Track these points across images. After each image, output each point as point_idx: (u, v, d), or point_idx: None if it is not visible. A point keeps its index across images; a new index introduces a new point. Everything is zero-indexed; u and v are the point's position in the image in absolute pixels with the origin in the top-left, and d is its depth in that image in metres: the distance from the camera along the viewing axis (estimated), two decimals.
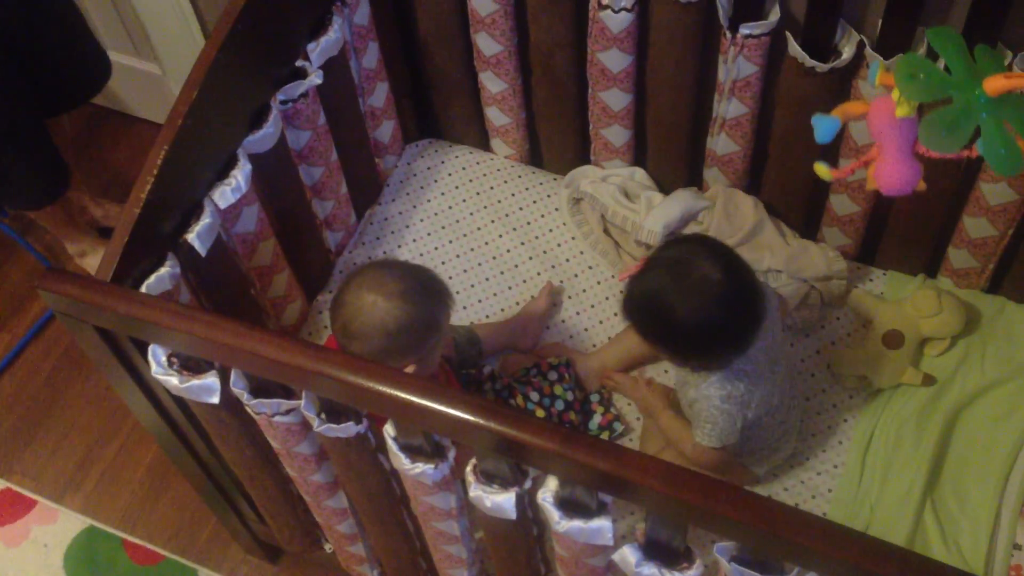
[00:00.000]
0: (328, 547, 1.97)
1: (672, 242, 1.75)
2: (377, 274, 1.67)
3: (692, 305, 1.62)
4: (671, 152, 2.14)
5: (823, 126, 1.49)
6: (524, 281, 2.20)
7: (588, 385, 2.05)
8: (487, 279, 2.20)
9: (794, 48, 1.78)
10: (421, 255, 2.23)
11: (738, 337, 1.67)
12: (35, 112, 2.17)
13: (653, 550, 1.34)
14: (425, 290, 1.68)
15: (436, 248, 2.25)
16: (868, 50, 1.74)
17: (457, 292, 2.18)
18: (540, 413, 1.96)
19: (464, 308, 2.16)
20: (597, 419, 2.01)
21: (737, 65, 1.86)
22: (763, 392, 1.75)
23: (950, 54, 1.35)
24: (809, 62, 1.78)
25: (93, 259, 2.55)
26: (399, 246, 2.24)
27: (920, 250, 2.07)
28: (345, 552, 1.90)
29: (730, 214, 2.09)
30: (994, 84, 1.32)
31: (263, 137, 1.76)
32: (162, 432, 1.72)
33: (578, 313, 2.15)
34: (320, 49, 1.85)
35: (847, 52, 1.76)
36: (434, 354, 1.72)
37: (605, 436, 2.00)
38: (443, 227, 2.27)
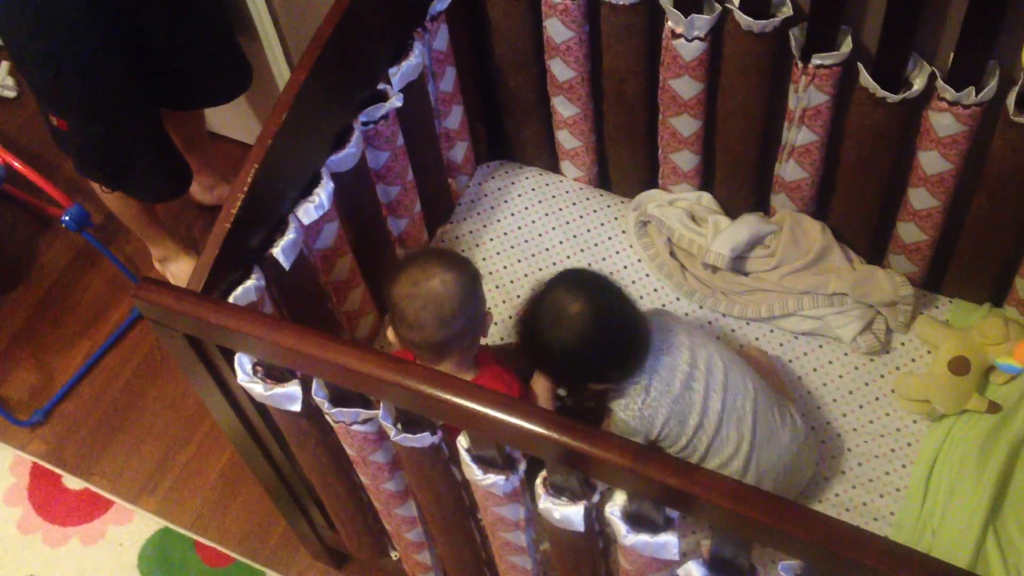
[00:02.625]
0: (395, 555, 2.01)
1: (545, 283, 1.85)
2: (422, 262, 1.77)
3: (554, 335, 1.76)
4: (739, 177, 2.16)
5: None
6: None
7: None
8: None
9: (865, 79, 1.80)
10: (490, 273, 2.28)
11: (610, 362, 1.78)
12: (163, 105, 2.23)
13: (717, 566, 1.37)
14: (468, 267, 1.80)
15: (505, 267, 2.29)
16: (939, 81, 1.76)
17: None
18: None
19: None
20: None
21: (808, 94, 1.88)
22: (680, 406, 1.82)
23: None
24: (880, 92, 1.80)
25: (175, 265, 2.62)
26: None
27: (986, 279, 2.08)
28: (411, 560, 1.94)
29: (797, 238, 2.12)
30: None
31: (345, 157, 1.83)
32: (241, 437, 1.78)
33: None
34: (401, 73, 1.92)
35: (918, 83, 1.78)
36: (476, 342, 1.81)
37: None
38: (512, 247, 2.32)
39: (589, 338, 1.75)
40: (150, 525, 2.34)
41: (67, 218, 2.48)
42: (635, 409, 1.81)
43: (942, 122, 1.80)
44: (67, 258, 2.78)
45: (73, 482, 2.42)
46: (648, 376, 1.81)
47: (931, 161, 1.88)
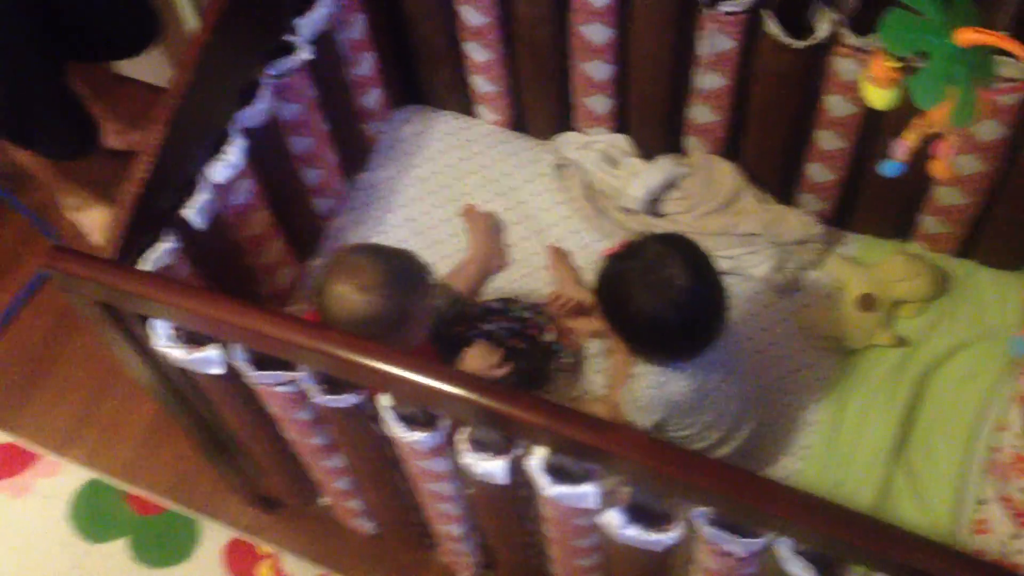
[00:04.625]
0: (325, 501, 2.04)
1: (660, 236, 1.77)
2: (354, 263, 1.68)
3: (650, 300, 1.65)
4: (652, 121, 2.18)
5: (888, 168, 1.56)
6: (511, 245, 2.25)
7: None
8: (469, 242, 2.23)
9: (770, 26, 1.82)
10: (409, 220, 2.28)
11: (683, 343, 1.71)
12: (70, 59, 2.17)
13: (636, 513, 1.42)
14: (400, 281, 1.68)
15: (424, 213, 2.29)
16: (843, 28, 1.78)
17: (446, 256, 2.23)
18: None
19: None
20: (550, 335, 2.07)
21: (715, 40, 1.90)
22: (706, 397, 1.78)
23: (920, 2, 1.38)
24: (785, 39, 1.82)
25: (86, 215, 2.57)
26: (388, 211, 2.29)
27: (892, 216, 2.14)
28: (342, 506, 1.98)
29: (709, 180, 2.15)
30: (965, 37, 1.36)
31: (255, 112, 1.81)
32: (165, 397, 1.78)
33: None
34: (308, 24, 1.89)
35: (822, 30, 1.80)
36: (410, 339, 1.74)
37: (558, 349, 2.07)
38: (431, 192, 2.31)
39: (684, 318, 1.65)
40: (78, 477, 2.33)
41: None
42: (666, 390, 1.76)
43: (846, 67, 1.83)
44: None
45: None
46: (694, 368, 1.75)
47: (837, 104, 1.91)
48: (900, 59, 1.42)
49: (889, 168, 1.58)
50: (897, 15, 1.38)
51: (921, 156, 1.51)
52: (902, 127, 1.50)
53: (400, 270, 1.71)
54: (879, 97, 1.48)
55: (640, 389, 1.78)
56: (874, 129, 1.92)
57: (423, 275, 1.75)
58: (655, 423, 1.80)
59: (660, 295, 1.64)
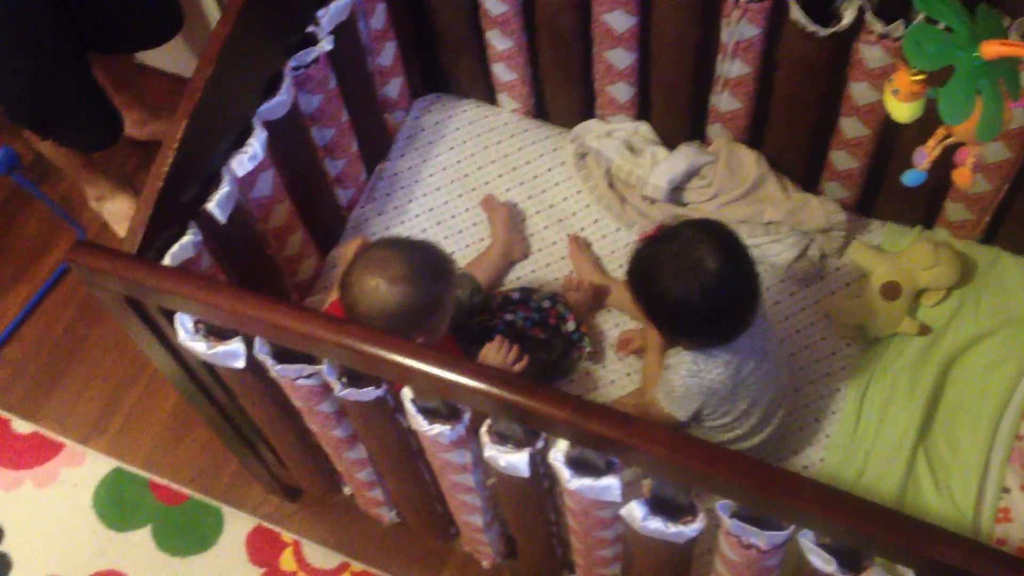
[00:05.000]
0: (347, 490, 2.05)
1: (694, 221, 1.78)
2: (382, 255, 1.70)
3: (678, 283, 1.66)
4: (675, 108, 2.17)
5: (911, 178, 1.55)
6: (532, 235, 2.25)
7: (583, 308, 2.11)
8: (492, 233, 2.22)
9: (795, 13, 1.81)
10: (431, 209, 2.28)
11: (714, 327, 1.71)
12: (92, 49, 2.18)
13: (658, 505, 1.42)
14: (429, 271, 1.71)
15: (446, 202, 2.29)
16: (868, 15, 1.77)
17: (467, 246, 2.24)
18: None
19: None
20: (572, 325, 2.06)
21: (740, 28, 1.88)
22: (742, 383, 1.78)
23: (944, 15, 1.37)
24: (810, 27, 1.81)
25: (111, 204, 2.59)
26: (409, 201, 2.29)
27: (917, 202, 2.12)
28: (364, 496, 1.99)
29: (733, 168, 2.14)
30: (990, 49, 1.35)
31: (277, 104, 1.81)
32: (186, 388, 1.79)
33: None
34: (330, 15, 1.88)
35: (848, 17, 1.78)
36: (439, 328, 1.76)
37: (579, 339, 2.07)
38: (452, 181, 2.31)
39: (712, 302, 1.66)
40: (102, 466, 2.35)
41: None
42: (703, 378, 1.76)
43: (872, 54, 1.81)
44: None
45: (22, 425, 2.42)
46: (729, 354, 1.75)
47: (862, 92, 1.90)
48: (923, 71, 1.41)
49: (912, 178, 1.57)
50: (921, 29, 1.37)
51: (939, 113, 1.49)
52: (925, 127, 1.48)
53: (427, 261, 1.73)
54: (902, 111, 1.48)
55: (677, 378, 1.78)
56: None
57: (448, 266, 1.76)
58: (693, 412, 1.81)
59: (690, 279, 1.66)
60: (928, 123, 1.49)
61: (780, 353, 1.90)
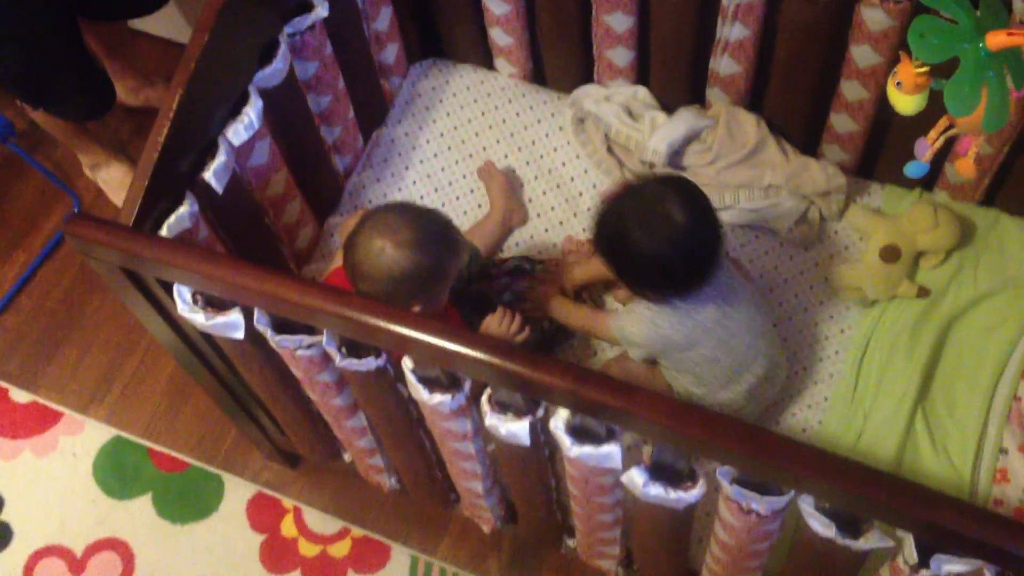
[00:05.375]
0: (347, 457, 2.06)
1: (658, 176, 1.82)
2: (390, 219, 1.69)
3: (647, 236, 1.70)
4: (674, 72, 2.15)
5: (914, 169, 1.54)
6: (530, 200, 2.24)
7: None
8: (490, 201, 2.21)
9: None
10: (428, 176, 2.27)
11: (681, 278, 1.75)
12: (84, 16, 2.16)
13: (659, 471, 1.42)
14: (435, 238, 1.71)
15: (443, 169, 2.27)
16: None
17: (464, 212, 2.23)
18: None
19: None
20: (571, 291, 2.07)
21: None
22: (701, 331, 1.81)
23: (948, 6, 1.36)
24: None
25: (106, 172, 2.57)
26: (406, 167, 2.27)
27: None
28: (364, 463, 1.99)
29: (733, 132, 2.12)
30: (996, 40, 1.33)
31: (273, 72, 1.79)
32: (185, 358, 1.79)
33: (584, 230, 2.19)
34: None
35: None
36: (441, 296, 1.76)
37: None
38: (449, 148, 2.30)
39: (681, 254, 1.71)
40: (102, 434, 2.36)
41: None
42: (658, 326, 1.80)
43: (873, 17, 1.80)
44: None
45: (20, 395, 2.42)
46: (688, 303, 1.78)
47: (863, 55, 1.88)
48: (926, 63, 1.39)
49: (914, 169, 1.57)
50: (924, 21, 1.35)
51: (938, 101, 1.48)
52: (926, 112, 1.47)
53: (435, 227, 1.72)
54: (906, 103, 1.47)
55: (632, 325, 1.83)
56: None
57: (455, 234, 1.76)
58: (649, 355, 1.87)
59: (658, 231, 1.69)
60: (929, 110, 1.48)
61: (753, 296, 1.90)
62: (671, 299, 1.79)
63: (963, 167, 1.54)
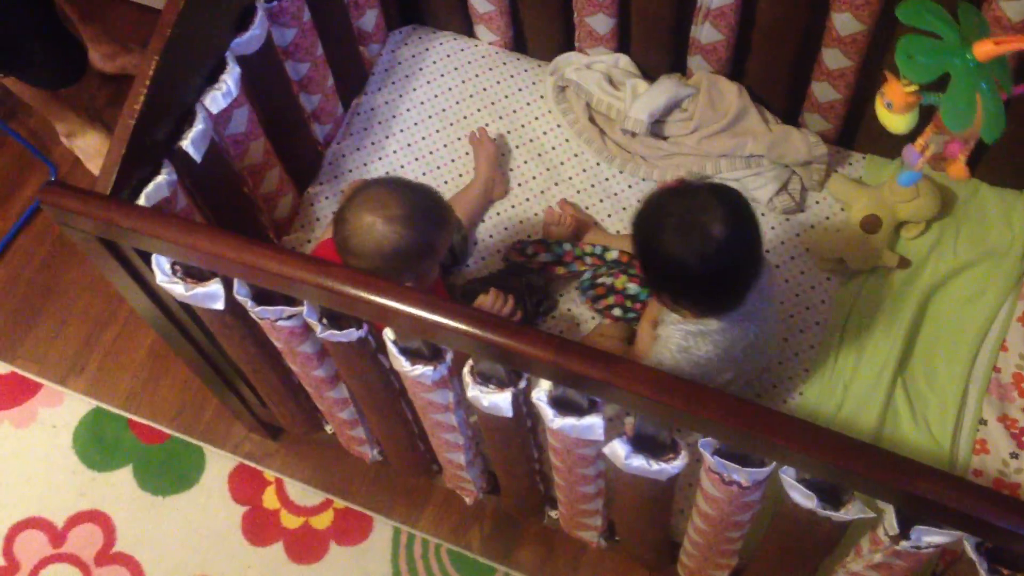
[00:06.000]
0: (329, 429, 2.05)
1: (714, 184, 1.71)
2: (380, 194, 1.67)
3: (677, 241, 1.61)
4: (655, 40, 2.14)
5: (906, 178, 1.53)
6: (512, 170, 2.23)
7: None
8: (475, 169, 2.21)
9: None
10: (408, 145, 2.25)
11: (707, 295, 1.67)
12: None
13: (641, 443, 1.42)
14: (426, 215, 1.68)
15: (423, 138, 2.26)
16: None
17: (445, 182, 2.21)
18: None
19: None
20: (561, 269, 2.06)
21: None
22: (731, 356, 1.75)
23: (931, 24, 1.34)
24: None
25: (82, 140, 2.54)
26: (386, 136, 2.25)
27: (898, 135, 2.10)
28: (346, 435, 1.99)
29: (714, 101, 2.11)
30: (983, 50, 1.31)
31: (250, 39, 1.76)
32: (165, 329, 1.77)
33: (567, 198, 2.18)
34: None
35: None
36: (430, 274, 1.75)
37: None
38: (430, 116, 2.28)
39: (708, 269, 1.60)
40: (81, 406, 2.34)
41: None
42: (692, 354, 1.72)
43: None
44: None
45: None
46: (721, 329, 1.70)
47: (844, 23, 1.87)
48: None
49: (907, 179, 1.56)
50: (910, 41, 1.34)
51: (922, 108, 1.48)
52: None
53: (426, 204, 1.70)
54: (899, 122, 1.46)
55: (666, 353, 1.75)
56: (882, 48, 1.88)
57: (446, 212, 1.73)
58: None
59: (690, 240, 1.60)
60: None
61: (775, 319, 1.85)
62: (704, 318, 1.70)
63: (956, 171, 1.53)
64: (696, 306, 1.69)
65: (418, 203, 1.69)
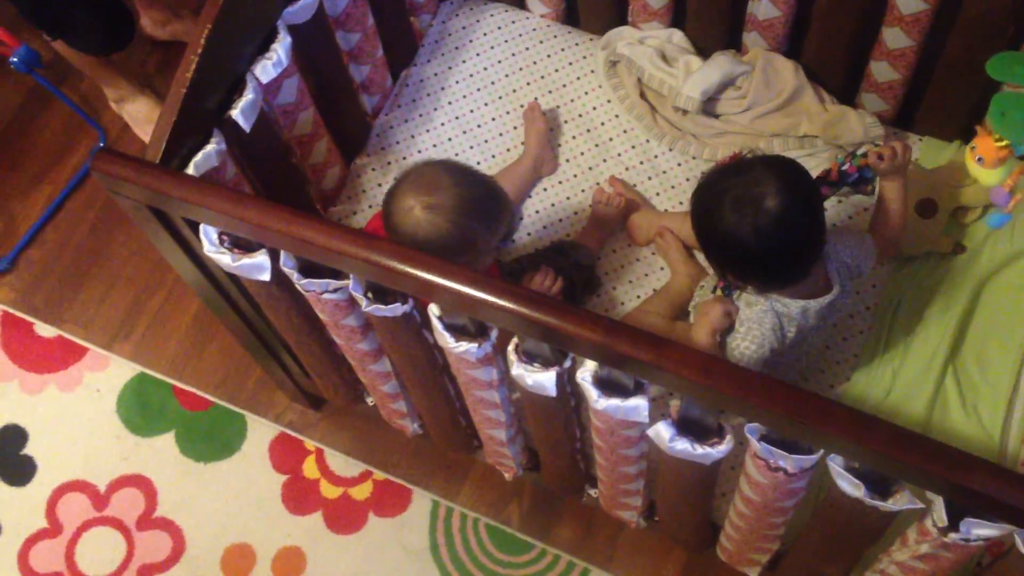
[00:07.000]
0: (370, 401, 2.05)
1: (769, 157, 1.69)
2: (432, 177, 1.64)
3: (733, 215, 1.58)
4: (710, 15, 2.10)
5: (996, 220, 1.49)
6: (560, 145, 2.20)
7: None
8: (523, 143, 2.19)
9: None
10: (457, 117, 2.23)
11: (766, 270, 1.65)
12: None
13: (686, 426, 1.41)
14: (472, 210, 1.64)
15: (472, 111, 2.24)
16: None
17: (493, 156, 2.20)
18: None
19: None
20: None
21: None
22: (801, 332, 1.73)
23: (1022, 78, 1.30)
24: None
25: (131, 105, 2.55)
26: (435, 108, 2.24)
27: (957, 117, 2.05)
28: (387, 407, 1.99)
29: (769, 79, 2.07)
30: None
31: (302, 8, 1.75)
32: (211, 297, 1.77)
33: (616, 175, 2.16)
34: None
35: None
36: (474, 266, 1.70)
37: None
38: (478, 89, 2.26)
39: (764, 243, 1.58)
40: (126, 371, 2.36)
41: (15, 59, 2.39)
42: (764, 351, 1.70)
43: None
44: (19, 99, 2.69)
45: (45, 329, 2.42)
46: (795, 323, 1.70)
47: (908, 1, 1.83)
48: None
49: (997, 221, 1.52)
50: (1004, 99, 1.30)
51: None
52: None
53: (475, 197, 1.66)
54: (990, 176, 1.43)
55: (740, 348, 1.73)
56: (944, 29, 1.84)
57: (498, 211, 1.68)
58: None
59: (744, 213, 1.57)
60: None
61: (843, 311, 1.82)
62: (764, 290, 1.68)
63: None
64: (761, 282, 1.68)
65: (467, 196, 1.64)
